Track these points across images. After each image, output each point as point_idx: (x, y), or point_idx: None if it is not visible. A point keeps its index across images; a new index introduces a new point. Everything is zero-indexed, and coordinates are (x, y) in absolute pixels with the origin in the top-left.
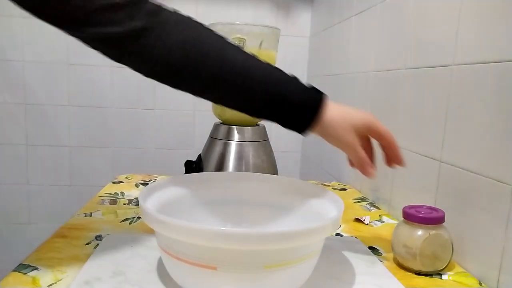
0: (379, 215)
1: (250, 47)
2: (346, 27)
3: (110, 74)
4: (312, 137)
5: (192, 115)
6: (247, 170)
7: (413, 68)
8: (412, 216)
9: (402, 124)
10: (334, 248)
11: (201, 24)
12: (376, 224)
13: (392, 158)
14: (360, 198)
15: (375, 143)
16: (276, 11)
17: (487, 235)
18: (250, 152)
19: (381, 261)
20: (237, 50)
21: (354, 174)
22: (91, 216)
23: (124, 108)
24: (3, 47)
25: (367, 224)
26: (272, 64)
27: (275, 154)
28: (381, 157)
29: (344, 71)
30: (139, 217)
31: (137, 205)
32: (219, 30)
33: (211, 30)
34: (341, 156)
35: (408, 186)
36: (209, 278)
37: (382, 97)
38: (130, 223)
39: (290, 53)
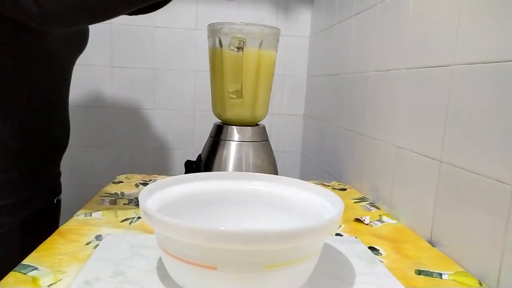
0: (379, 215)
1: (250, 47)
2: (346, 27)
3: (110, 74)
4: (312, 137)
5: (192, 115)
6: (247, 170)
7: (413, 68)
8: None
9: (402, 124)
10: (334, 248)
11: None
12: (376, 224)
13: None
14: (360, 198)
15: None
16: (276, 11)
17: (487, 235)
18: (250, 152)
19: (381, 261)
20: None
21: (354, 174)
22: (91, 216)
23: (124, 108)
24: None
25: (367, 224)
26: (272, 64)
27: (275, 154)
28: (381, 157)
29: (344, 71)
30: (139, 217)
31: (137, 205)
32: (219, 30)
33: None
34: (341, 156)
35: (408, 186)
36: (209, 278)
37: (382, 97)
38: (130, 223)
39: (290, 53)
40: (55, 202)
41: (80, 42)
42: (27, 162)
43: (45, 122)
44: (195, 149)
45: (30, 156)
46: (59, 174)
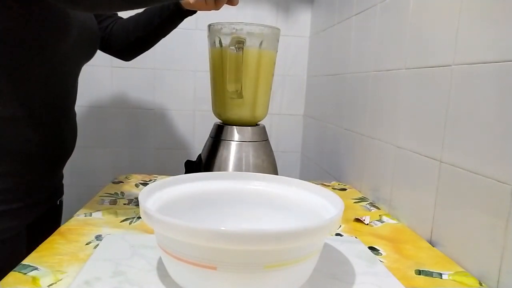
0: (379, 215)
1: (250, 47)
2: (346, 27)
3: (110, 74)
4: (312, 137)
5: (192, 115)
6: (247, 170)
7: (413, 68)
8: None
9: (402, 124)
10: (334, 248)
11: None
12: (376, 224)
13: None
14: (360, 198)
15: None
16: (276, 11)
17: (487, 235)
18: (250, 152)
19: (381, 261)
20: None
21: (354, 174)
22: (91, 216)
23: (124, 108)
24: None
25: (367, 224)
26: (272, 64)
27: (275, 154)
28: (381, 157)
29: (344, 71)
30: (139, 217)
31: (137, 205)
32: (219, 30)
33: None
34: (341, 156)
35: (408, 186)
36: (209, 278)
37: (382, 97)
38: (130, 223)
39: (290, 53)
40: (58, 203)
41: (91, 49)
42: (37, 166)
43: (57, 126)
44: (195, 149)
45: (40, 160)
46: (62, 176)
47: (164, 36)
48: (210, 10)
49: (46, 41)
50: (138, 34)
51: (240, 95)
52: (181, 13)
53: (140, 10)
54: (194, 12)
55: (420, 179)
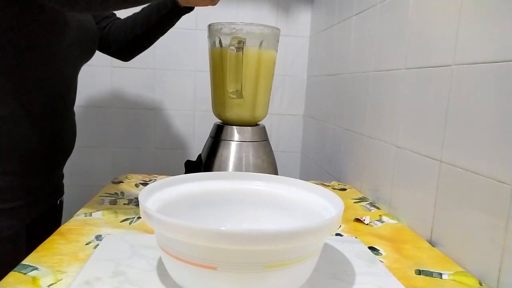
0: (379, 215)
1: (250, 47)
2: (346, 27)
3: (110, 74)
4: (312, 137)
5: (192, 115)
6: (247, 170)
7: (413, 68)
8: None
9: (402, 124)
10: (334, 248)
11: None
12: (376, 224)
13: None
14: (360, 198)
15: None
16: (276, 11)
17: (487, 235)
18: (250, 152)
19: (381, 261)
20: None
21: (354, 174)
22: (91, 216)
23: (124, 108)
24: None
25: (367, 224)
26: (272, 64)
27: (275, 154)
28: (381, 157)
29: (344, 71)
30: (139, 217)
31: (137, 205)
32: (219, 30)
33: None
34: (341, 156)
35: (408, 186)
36: (209, 278)
37: (382, 97)
38: (130, 223)
39: (290, 53)
40: (58, 203)
41: (89, 50)
42: (36, 165)
43: (54, 126)
44: (195, 149)
45: (39, 159)
46: (62, 175)
47: (162, 34)
48: (206, 5)
49: (44, 41)
50: (136, 32)
51: (240, 95)
52: (178, 10)
53: (138, 9)
54: (192, 9)
55: (420, 179)
